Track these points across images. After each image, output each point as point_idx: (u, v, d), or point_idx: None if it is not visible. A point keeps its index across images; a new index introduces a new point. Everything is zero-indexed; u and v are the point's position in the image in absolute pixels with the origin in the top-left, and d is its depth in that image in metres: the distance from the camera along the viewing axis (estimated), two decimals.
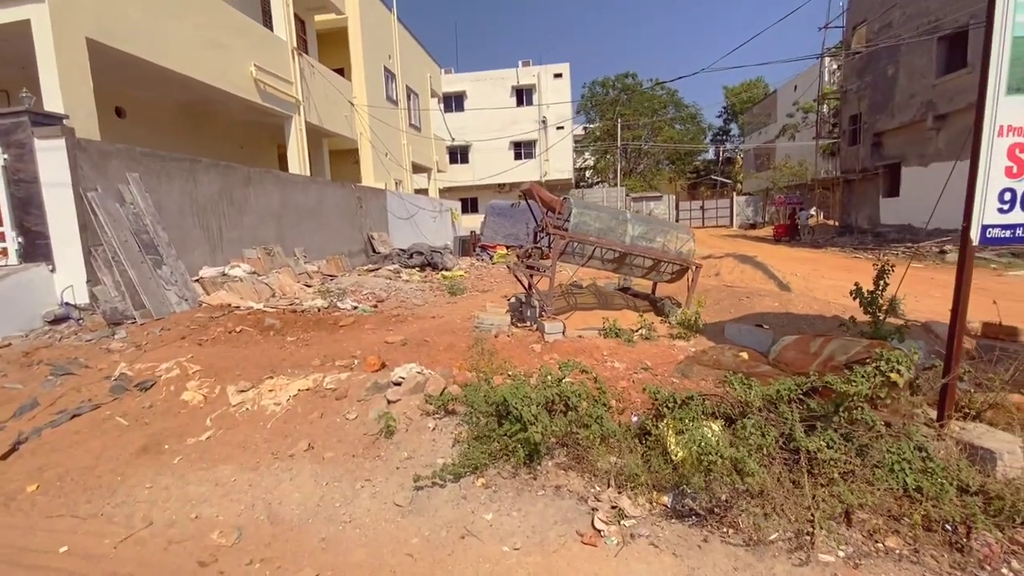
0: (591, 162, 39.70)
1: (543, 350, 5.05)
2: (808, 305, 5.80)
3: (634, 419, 3.54)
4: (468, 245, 16.18)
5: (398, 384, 4.06)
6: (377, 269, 12.21)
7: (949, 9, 14.92)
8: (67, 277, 6.03)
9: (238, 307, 6.91)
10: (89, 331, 5.71)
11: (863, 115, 20.07)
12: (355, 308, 7.45)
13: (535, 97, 32.69)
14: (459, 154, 32.36)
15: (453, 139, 27.49)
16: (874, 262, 4.34)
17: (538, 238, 6.61)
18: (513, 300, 7.47)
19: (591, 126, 41.10)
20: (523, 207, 15.49)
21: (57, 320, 5.87)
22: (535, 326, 5.90)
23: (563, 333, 5.35)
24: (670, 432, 2.95)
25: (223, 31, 9.42)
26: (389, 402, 3.87)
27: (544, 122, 32.20)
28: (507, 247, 14.99)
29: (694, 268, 5.88)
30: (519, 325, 6.02)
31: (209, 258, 7.98)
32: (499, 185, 33.09)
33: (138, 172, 6.72)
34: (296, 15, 12.80)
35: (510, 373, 3.68)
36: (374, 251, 13.96)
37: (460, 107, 32.77)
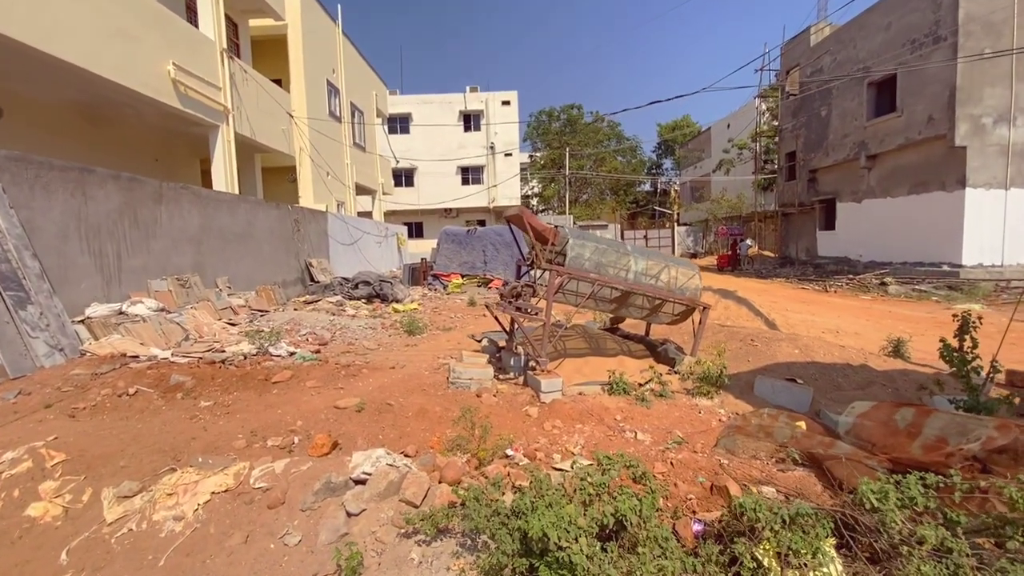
0: (537, 189, 39.71)
1: (541, 415, 4.05)
2: (828, 352, 5.22)
3: (696, 528, 2.62)
4: (418, 274, 14.97)
5: (361, 483, 2.90)
6: (317, 301, 10.74)
7: (878, 57, 15.94)
8: None
9: (136, 357, 5.39)
10: None
11: (799, 152, 21.10)
12: (292, 354, 6.10)
13: (483, 123, 32.29)
14: (404, 177, 31.16)
15: (398, 161, 26.32)
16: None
17: (522, 272, 5.65)
18: (486, 342, 6.45)
19: (537, 154, 41.30)
20: (479, 233, 14.58)
21: None
22: (521, 378, 4.90)
23: (561, 391, 4.39)
24: (773, 561, 2.06)
25: (134, 20, 7.93)
26: (349, 515, 2.70)
27: (492, 148, 31.79)
28: (462, 276, 13.94)
29: (702, 309, 5.14)
30: (501, 378, 4.99)
31: (102, 291, 6.36)
32: (446, 210, 32.12)
33: (2, 183, 5.14)
34: (228, 16, 11.39)
35: (530, 476, 2.62)
36: (312, 280, 12.44)
37: (406, 129, 31.74)
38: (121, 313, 6.22)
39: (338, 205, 16.52)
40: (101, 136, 10.33)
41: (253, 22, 13.83)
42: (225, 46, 10.50)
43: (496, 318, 5.64)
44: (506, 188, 32.00)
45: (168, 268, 7.58)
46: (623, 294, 4.96)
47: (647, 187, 51.84)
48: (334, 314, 9.29)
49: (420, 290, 13.63)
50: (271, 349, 6.12)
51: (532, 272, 5.41)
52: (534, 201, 40.52)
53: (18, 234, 5.15)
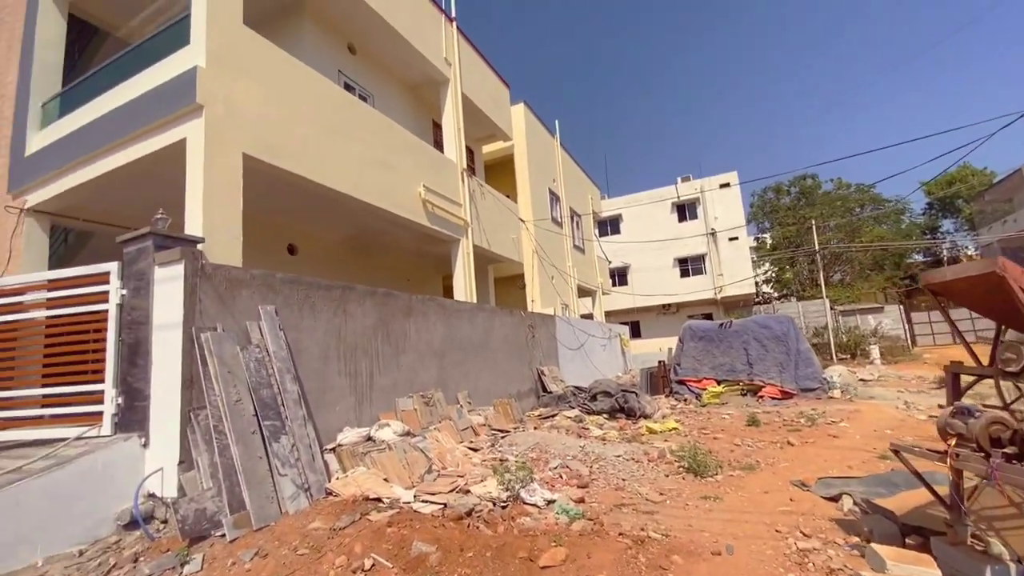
0: (771, 274, 34.32)
1: None
2: None
3: None
4: (657, 379, 12.73)
5: None
6: (553, 416, 9.37)
7: None
8: (159, 455, 4.20)
9: (379, 501, 4.43)
10: (159, 551, 3.58)
11: None
12: (550, 503, 4.49)
13: (699, 210, 30.03)
14: (617, 276, 30.17)
15: (610, 261, 25.48)
16: None
17: (961, 385, 3.14)
18: (851, 505, 3.83)
19: (765, 236, 36.45)
20: (736, 328, 11.80)
21: (133, 523, 3.92)
22: None
23: None
24: None
25: (392, 151, 8.60)
26: None
27: (713, 234, 28.93)
28: (718, 381, 11.19)
29: None
30: None
31: (354, 413, 5.94)
32: (664, 306, 29.65)
33: (275, 304, 5.11)
34: (466, 146, 12.34)
35: None
36: (545, 390, 11.30)
37: (616, 229, 31.41)
38: (369, 439, 5.60)
39: (563, 308, 15.82)
40: (364, 264, 11.52)
41: (485, 148, 15.02)
42: (464, 166, 11.08)
43: (913, 470, 3.12)
44: (734, 275, 28.21)
45: (414, 384, 7.10)
46: None
47: (920, 256, 40.89)
48: (578, 434, 7.66)
49: (665, 400, 11.28)
50: (523, 494, 4.63)
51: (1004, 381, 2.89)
52: (767, 287, 35.03)
53: (283, 356, 4.92)
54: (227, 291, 4.67)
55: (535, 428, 8.29)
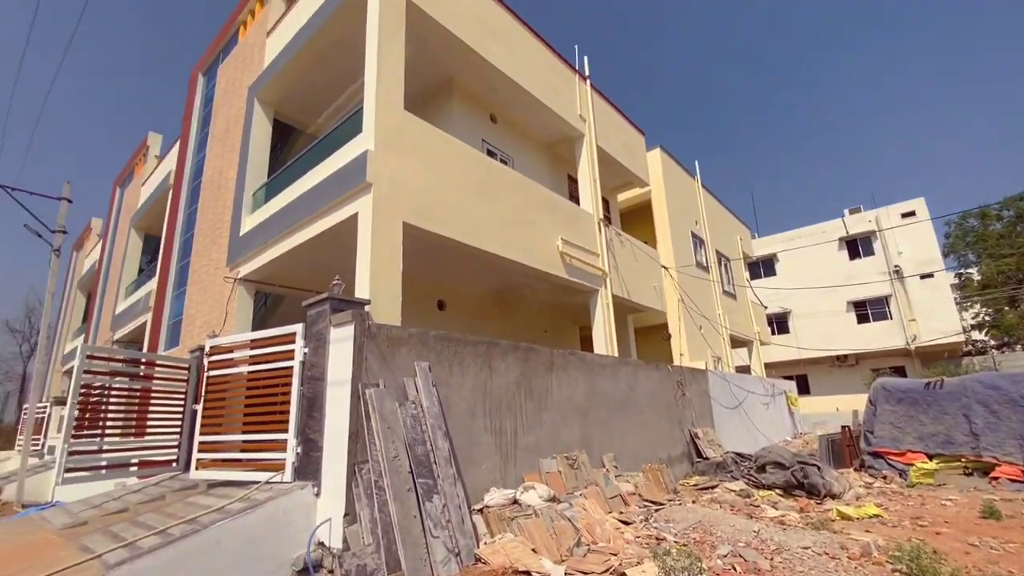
0: (984, 317, 27.67)
1: None
2: None
3: None
4: (841, 447, 10.65)
5: None
6: (713, 488, 8.27)
7: None
8: (328, 506, 4.49)
9: (528, 574, 4.15)
10: None
11: None
12: None
13: (876, 245, 25.87)
14: (775, 323, 26.94)
15: (766, 307, 22.88)
16: None
17: None
18: None
19: (970, 271, 29.85)
20: (951, 388, 9.39)
21: (304, 570, 4.17)
22: None
23: None
24: None
25: (531, 208, 8.84)
26: None
27: (898, 272, 24.53)
28: (928, 456, 8.96)
29: None
30: None
31: (499, 472, 5.83)
32: (838, 358, 25.50)
33: (428, 361, 5.33)
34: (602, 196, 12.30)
35: None
36: (700, 455, 10.14)
37: (771, 271, 28.41)
38: (515, 503, 5.41)
39: (715, 361, 14.40)
40: (505, 317, 11.81)
41: (620, 196, 14.83)
42: (601, 216, 10.96)
43: None
44: (932, 319, 23.35)
45: (557, 444, 6.82)
46: None
47: None
48: (750, 515, 6.57)
49: (855, 476, 9.32)
50: None
51: None
52: (979, 334, 28.25)
53: (435, 412, 5.05)
54: (388, 349, 4.99)
55: (693, 501, 7.36)
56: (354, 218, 6.12)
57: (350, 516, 4.31)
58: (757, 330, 18.93)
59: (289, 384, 5.09)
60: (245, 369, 5.54)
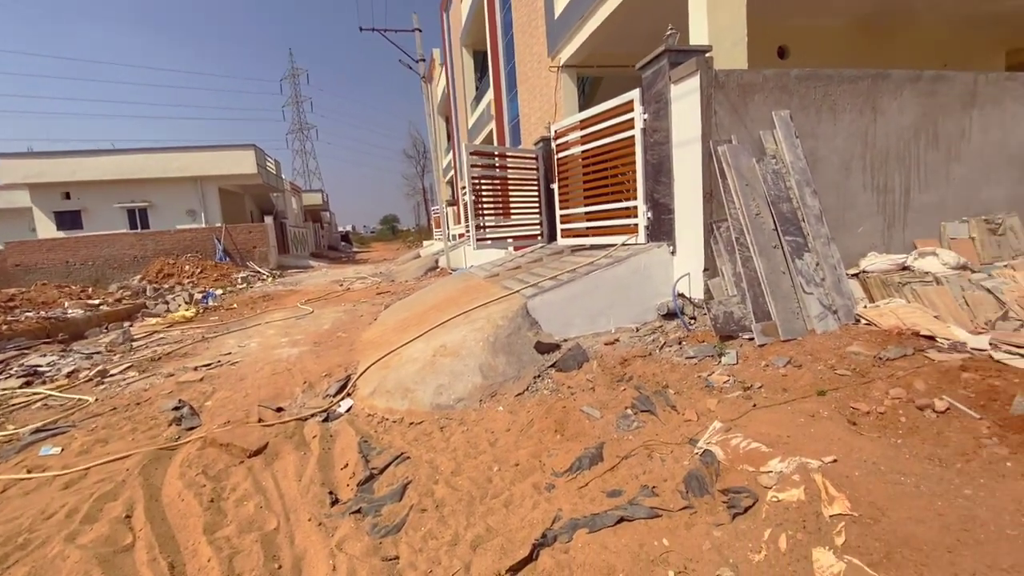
0: None
1: None
2: None
3: None
4: None
5: None
6: None
7: None
8: (685, 262, 4.68)
9: (931, 339, 3.56)
10: (695, 341, 4.11)
11: None
12: None
13: None
14: None
15: None
16: None
17: None
18: None
19: None
20: None
21: (669, 315, 4.65)
22: None
23: None
24: None
25: None
26: None
27: None
28: None
29: None
30: None
31: (880, 237, 4.89)
32: None
33: (789, 109, 4.45)
34: None
35: None
36: None
37: None
38: (905, 268, 4.52)
39: None
40: (876, 54, 8.76)
41: None
42: None
43: None
44: None
45: (971, 205, 5.15)
46: None
47: None
48: None
49: None
50: None
51: None
52: None
53: (801, 168, 4.34)
54: (739, 98, 4.34)
55: None
56: None
57: (710, 271, 4.41)
58: None
59: (632, 154, 5.15)
60: (593, 144, 5.85)
